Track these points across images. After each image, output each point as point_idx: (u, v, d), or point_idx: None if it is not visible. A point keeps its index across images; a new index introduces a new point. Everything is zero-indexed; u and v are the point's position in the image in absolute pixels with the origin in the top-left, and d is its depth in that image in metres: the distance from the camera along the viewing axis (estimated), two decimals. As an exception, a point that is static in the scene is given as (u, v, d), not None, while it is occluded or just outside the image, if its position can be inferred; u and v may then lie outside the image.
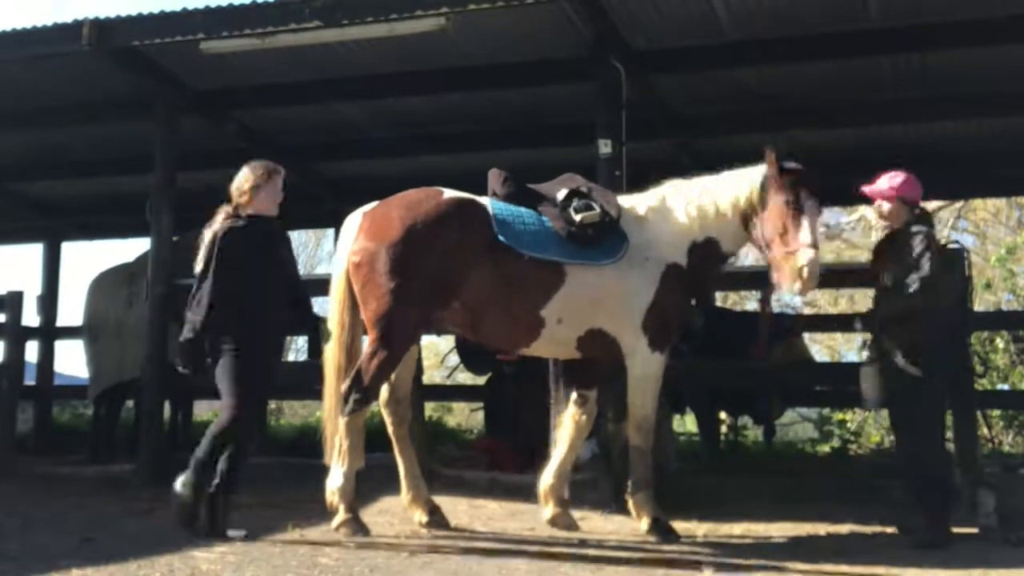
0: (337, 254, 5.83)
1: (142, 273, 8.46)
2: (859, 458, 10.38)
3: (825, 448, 10.49)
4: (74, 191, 11.41)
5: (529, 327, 5.59)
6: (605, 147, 6.84)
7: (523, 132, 9.07)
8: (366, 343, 5.54)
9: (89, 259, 41.73)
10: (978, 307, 11.04)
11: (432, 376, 15.74)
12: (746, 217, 5.57)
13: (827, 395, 9.97)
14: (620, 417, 6.56)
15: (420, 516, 5.69)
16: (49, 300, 11.83)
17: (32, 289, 11.54)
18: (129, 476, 7.65)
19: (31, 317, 11.11)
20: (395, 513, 6.02)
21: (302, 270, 28.41)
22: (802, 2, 6.69)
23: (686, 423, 11.91)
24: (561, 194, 5.72)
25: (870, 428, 12.48)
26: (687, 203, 5.72)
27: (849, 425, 11.62)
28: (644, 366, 5.62)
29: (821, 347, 19.53)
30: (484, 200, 5.75)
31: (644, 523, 5.56)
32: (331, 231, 14.98)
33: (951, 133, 8.95)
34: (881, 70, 7.75)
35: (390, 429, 5.76)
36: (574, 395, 5.89)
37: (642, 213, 5.79)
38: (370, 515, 6.06)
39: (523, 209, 5.73)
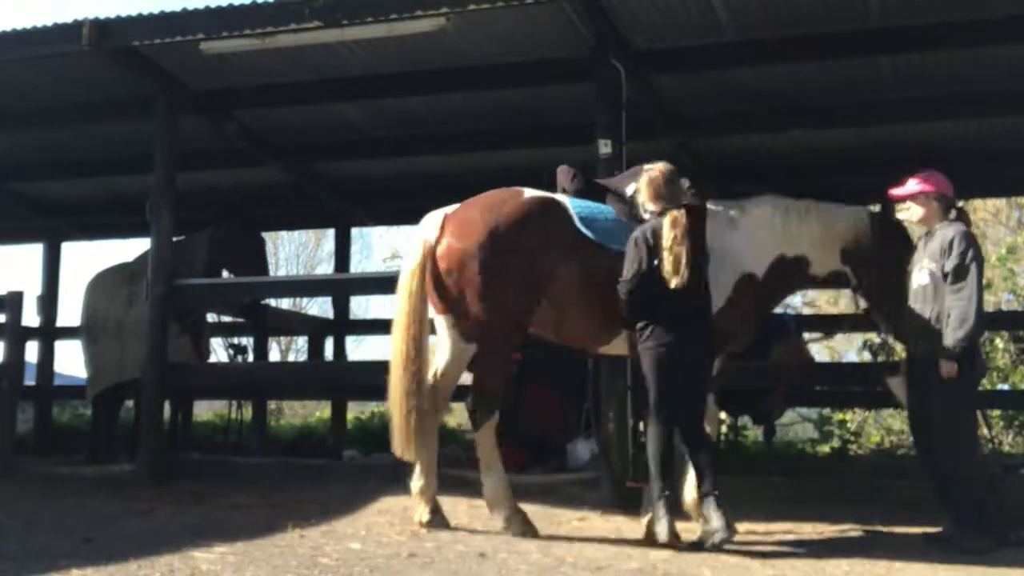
0: (411, 253, 5.78)
1: (142, 273, 8.46)
2: (859, 458, 10.39)
3: (825, 448, 10.50)
4: (74, 191, 11.40)
5: (612, 325, 5.63)
6: (605, 147, 6.84)
7: (523, 132, 9.07)
8: (473, 354, 5.62)
9: (89, 259, 41.73)
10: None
11: (432, 376, 15.74)
12: (846, 253, 5.88)
13: (827, 395, 9.97)
14: (622, 418, 6.58)
15: (422, 510, 5.69)
16: (49, 300, 11.84)
17: (32, 289, 11.56)
18: (129, 476, 7.65)
19: (31, 317, 11.13)
20: (395, 513, 6.02)
21: (302, 270, 28.56)
22: (802, 2, 6.69)
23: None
24: (630, 189, 5.72)
25: (870, 428, 12.49)
26: (787, 219, 5.85)
27: (849, 425, 11.64)
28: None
29: (821, 347, 19.53)
30: (560, 197, 5.77)
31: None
32: (331, 231, 15.01)
33: (951, 133, 8.94)
34: (881, 70, 7.74)
35: (422, 418, 5.63)
36: None
37: (732, 218, 5.88)
38: (370, 515, 6.07)
39: (599, 204, 5.76)
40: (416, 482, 5.69)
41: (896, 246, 5.97)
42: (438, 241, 5.58)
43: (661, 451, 5.25)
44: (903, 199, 5.88)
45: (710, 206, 5.88)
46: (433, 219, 5.72)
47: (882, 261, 5.94)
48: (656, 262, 5.22)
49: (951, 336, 5.36)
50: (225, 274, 9.30)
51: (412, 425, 5.46)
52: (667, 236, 5.21)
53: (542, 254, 5.48)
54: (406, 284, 5.62)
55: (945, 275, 5.44)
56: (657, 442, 5.27)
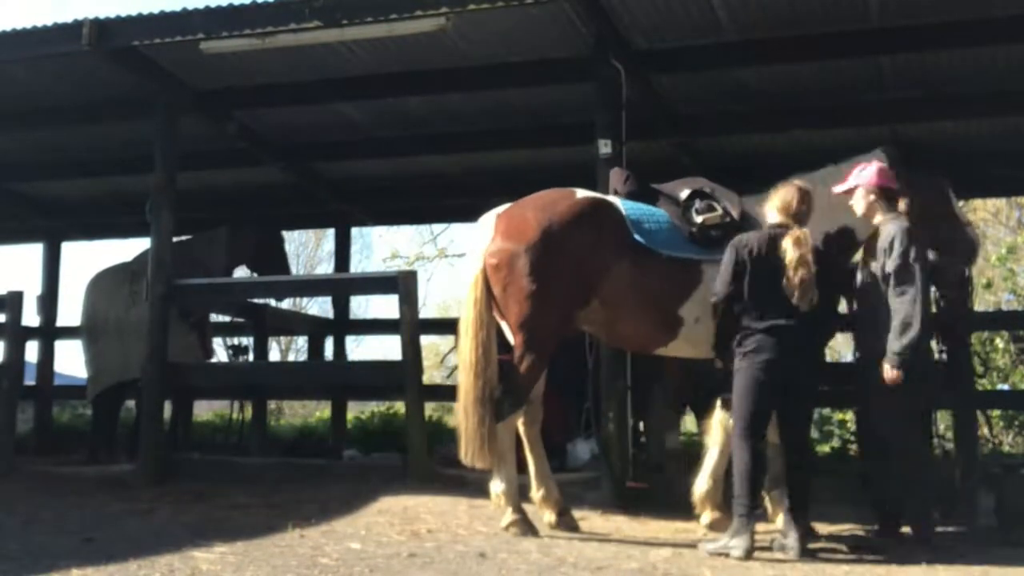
0: (471, 254, 5.82)
1: (143, 272, 8.47)
2: (859, 458, 10.38)
3: (825, 448, 10.50)
4: (74, 191, 11.40)
5: (667, 326, 5.64)
6: (605, 147, 6.84)
7: (523, 132, 9.07)
8: (513, 347, 5.61)
9: (89, 259, 41.75)
10: (978, 307, 11.05)
11: (432, 376, 15.76)
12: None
13: (827, 395, 9.96)
14: (622, 418, 6.58)
15: (549, 516, 5.72)
16: (49, 300, 11.83)
17: (32, 289, 11.56)
18: (129, 476, 7.65)
19: (31, 317, 11.13)
20: (395, 513, 6.02)
21: (302, 270, 28.58)
22: (802, 2, 6.69)
23: (686, 423, 11.90)
24: (684, 193, 5.74)
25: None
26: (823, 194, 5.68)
27: (849, 425, 11.63)
28: None
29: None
30: (613, 199, 5.78)
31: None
32: (331, 231, 14.99)
33: (951, 133, 8.94)
34: (881, 70, 7.75)
35: (521, 429, 5.73)
36: (720, 400, 5.83)
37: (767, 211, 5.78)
38: (370, 515, 6.06)
39: (650, 207, 5.76)
40: (497, 486, 5.63)
41: (920, 179, 5.84)
42: (492, 241, 5.61)
43: (750, 469, 5.08)
44: (848, 195, 5.65)
45: (747, 199, 5.84)
46: (486, 220, 5.75)
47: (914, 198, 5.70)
48: (757, 273, 5.12)
49: (894, 342, 5.16)
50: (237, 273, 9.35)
51: (485, 433, 5.43)
52: (791, 255, 5.12)
53: (593, 255, 5.50)
54: (470, 291, 5.63)
55: (887, 275, 5.27)
56: (746, 461, 5.09)
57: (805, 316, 5.11)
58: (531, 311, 5.49)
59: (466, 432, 5.51)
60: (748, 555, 4.93)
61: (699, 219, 5.60)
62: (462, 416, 5.55)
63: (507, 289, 5.54)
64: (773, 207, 5.39)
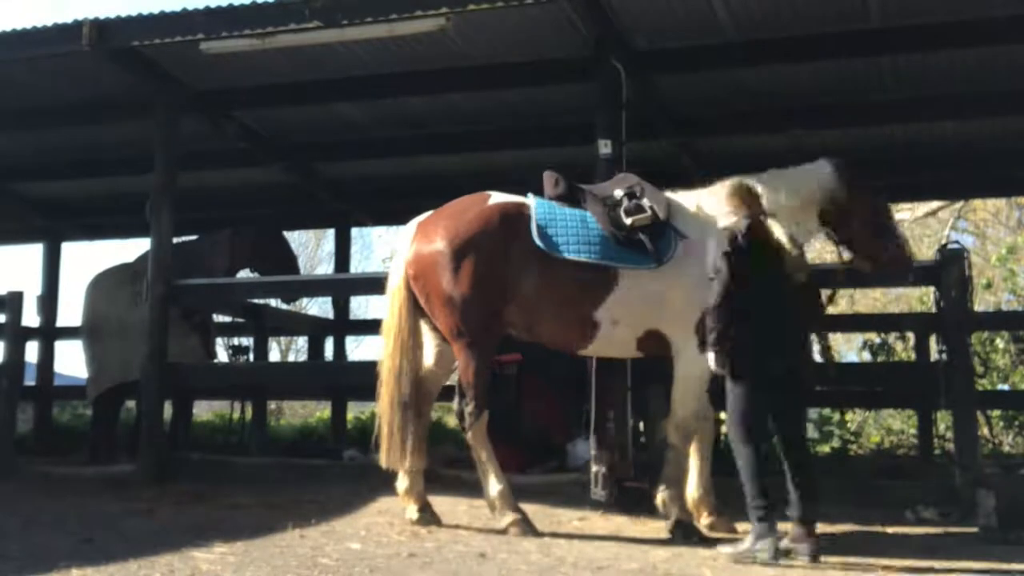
0: (394, 261, 5.98)
1: (145, 272, 8.47)
2: (859, 458, 10.39)
3: (825, 448, 10.50)
4: (74, 191, 11.40)
5: (583, 329, 5.67)
6: (605, 147, 6.84)
7: (523, 132, 9.07)
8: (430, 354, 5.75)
9: (89, 259, 41.73)
10: (978, 307, 11.05)
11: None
12: (825, 214, 5.77)
13: (827, 395, 9.97)
14: (622, 418, 6.58)
15: (412, 511, 5.73)
16: (49, 300, 11.83)
17: (32, 289, 11.56)
18: (129, 476, 7.65)
19: (31, 317, 11.12)
20: (395, 513, 6.02)
21: (302, 270, 28.56)
22: (802, 2, 6.69)
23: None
24: (618, 193, 5.74)
25: (870, 428, 12.49)
26: (777, 195, 5.69)
27: (849, 425, 11.63)
28: (689, 366, 5.62)
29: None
30: (529, 202, 5.80)
31: (669, 522, 5.57)
32: (331, 231, 15.00)
33: (951, 133, 8.95)
34: (881, 70, 7.75)
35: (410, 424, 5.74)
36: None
37: (699, 209, 5.78)
38: (370, 515, 6.07)
39: (569, 211, 5.76)
40: (401, 483, 5.78)
41: (863, 191, 5.87)
42: (409, 249, 5.78)
43: (754, 471, 5.00)
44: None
45: (676, 195, 5.85)
46: (408, 229, 5.91)
47: (855, 210, 5.82)
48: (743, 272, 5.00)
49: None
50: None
51: (404, 437, 5.60)
52: (779, 234, 5.08)
53: (503, 260, 5.59)
54: (393, 297, 5.77)
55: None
56: (750, 463, 5.00)
57: (793, 314, 5.09)
58: (452, 316, 5.61)
59: (386, 435, 5.65)
60: (776, 557, 4.81)
61: (628, 220, 5.58)
62: (383, 420, 5.69)
63: (428, 297, 5.70)
64: (732, 205, 5.31)
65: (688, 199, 5.91)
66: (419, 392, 5.78)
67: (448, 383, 6.30)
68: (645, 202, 5.66)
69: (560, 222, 5.67)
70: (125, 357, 8.82)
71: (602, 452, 6.29)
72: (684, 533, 5.49)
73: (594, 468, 6.27)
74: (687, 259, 5.59)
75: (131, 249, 20.16)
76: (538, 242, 5.58)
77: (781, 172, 5.94)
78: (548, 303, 5.63)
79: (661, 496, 5.63)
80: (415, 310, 5.76)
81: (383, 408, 5.71)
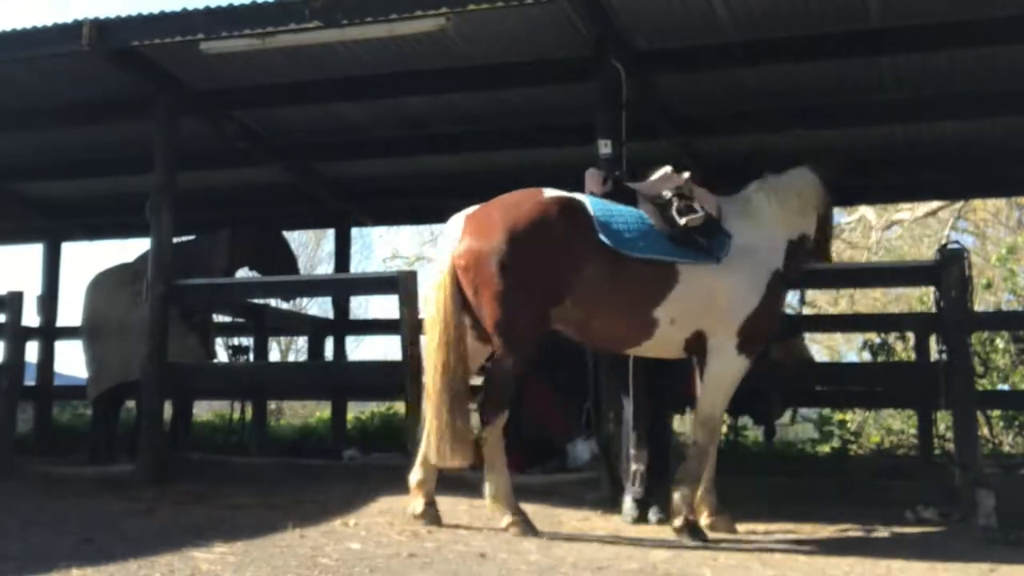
0: (439, 255, 5.80)
1: (145, 272, 8.47)
2: (859, 458, 10.39)
3: (825, 448, 10.50)
4: (74, 191, 11.40)
5: (642, 327, 5.60)
6: (605, 147, 6.83)
7: (523, 132, 9.06)
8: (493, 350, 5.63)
9: (89, 259, 41.75)
10: (978, 307, 11.05)
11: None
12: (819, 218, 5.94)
13: (827, 395, 9.98)
14: (620, 418, 6.58)
15: (417, 505, 5.71)
16: (49, 300, 11.84)
17: (32, 289, 11.56)
18: (129, 476, 7.64)
19: (31, 317, 11.13)
20: (395, 513, 6.01)
21: (302, 270, 28.58)
22: (802, 2, 6.69)
23: (686, 423, 11.92)
24: (667, 193, 5.71)
25: (870, 428, 12.50)
26: (779, 201, 5.79)
27: (849, 425, 11.64)
28: (726, 366, 5.62)
29: (821, 347, 19.55)
30: (583, 198, 5.72)
31: (677, 520, 5.52)
32: (331, 231, 14.99)
33: (951, 133, 8.95)
34: (881, 70, 7.75)
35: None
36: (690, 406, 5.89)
37: (740, 214, 5.81)
38: (370, 515, 6.06)
39: (624, 207, 5.71)
40: (415, 475, 5.71)
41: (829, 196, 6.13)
42: (459, 242, 5.58)
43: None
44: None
45: (723, 199, 5.91)
46: (455, 222, 5.72)
47: (826, 214, 6.09)
48: None
49: None
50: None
51: (455, 433, 5.44)
52: None
53: (561, 254, 5.45)
54: (439, 290, 5.59)
55: None
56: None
57: None
58: (503, 312, 5.45)
59: (438, 431, 5.49)
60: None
61: (682, 221, 5.56)
62: (432, 416, 5.53)
63: (478, 291, 5.52)
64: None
65: (735, 200, 5.93)
66: (465, 388, 5.61)
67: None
68: (696, 202, 5.66)
69: (619, 219, 5.60)
70: (125, 357, 8.82)
71: (641, 451, 6.16)
72: (691, 533, 5.45)
73: (634, 467, 6.16)
74: (735, 259, 5.60)
75: (131, 249, 20.19)
76: (603, 238, 5.47)
77: (781, 178, 6.04)
78: (608, 300, 5.53)
79: (675, 493, 5.59)
80: (461, 304, 5.60)
81: (433, 403, 5.51)
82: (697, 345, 5.72)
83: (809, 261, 6.16)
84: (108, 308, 9.25)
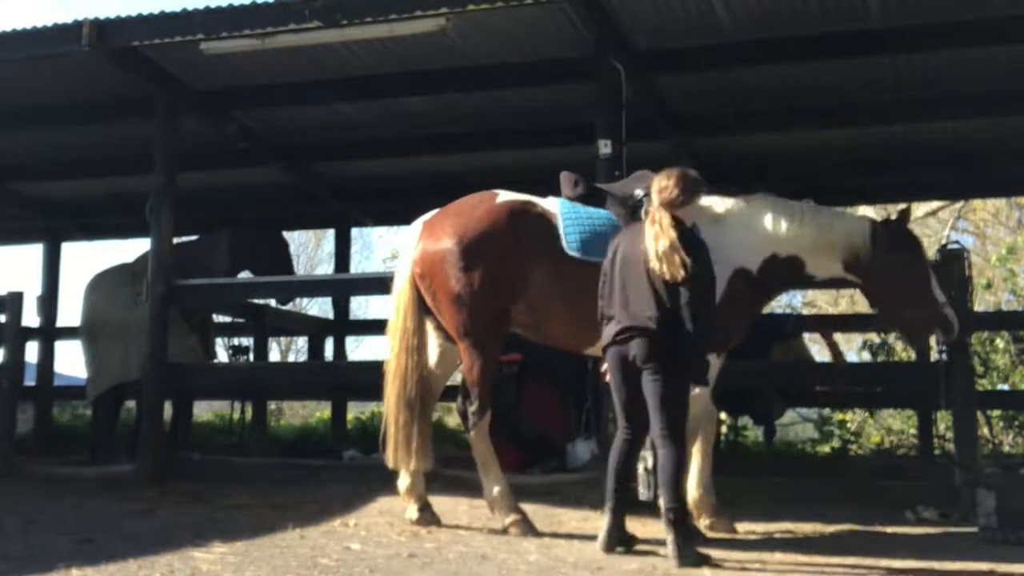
0: (401, 261, 5.96)
1: (144, 273, 8.47)
2: (859, 458, 10.39)
3: (825, 448, 10.50)
4: (74, 191, 11.40)
5: (592, 328, 5.56)
6: (605, 147, 6.83)
7: (523, 132, 9.07)
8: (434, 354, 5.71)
9: (89, 259, 41.73)
10: (978, 307, 11.04)
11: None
12: (847, 263, 5.75)
13: (827, 395, 9.97)
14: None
15: (412, 511, 5.72)
16: (49, 300, 11.83)
17: (32, 289, 11.56)
18: (129, 476, 7.64)
19: (31, 317, 11.13)
20: (395, 513, 6.02)
21: (302, 270, 28.57)
22: (802, 2, 6.69)
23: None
24: (639, 192, 5.70)
25: (870, 428, 12.49)
26: (777, 219, 5.73)
27: (849, 425, 11.64)
28: None
29: (821, 347, 19.51)
30: (551, 202, 5.78)
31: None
32: (331, 231, 14.99)
33: (951, 133, 8.94)
34: (881, 70, 7.74)
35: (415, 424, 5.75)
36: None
37: (720, 213, 5.78)
38: (370, 515, 6.07)
39: (594, 210, 5.74)
40: (403, 482, 5.77)
41: (904, 254, 5.75)
42: (415, 248, 5.74)
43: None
44: None
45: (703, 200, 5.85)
46: (414, 227, 5.88)
47: (887, 270, 5.72)
48: None
49: None
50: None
51: (410, 436, 5.59)
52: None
53: (512, 258, 5.55)
54: (399, 297, 5.76)
55: None
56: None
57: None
58: (460, 315, 5.57)
59: (393, 434, 5.62)
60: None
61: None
62: (390, 419, 5.66)
63: (435, 296, 5.66)
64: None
65: (715, 202, 5.86)
66: (424, 392, 5.76)
67: (448, 383, 6.30)
68: None
69: (584, 221, 5.63)
70: (124, 358, 8.83)
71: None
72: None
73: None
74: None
75: (131, 249, 20.18)
76: (561, 242, 5.53)
77: (817, 208, 5.96)
78: (559, 302, 5.59)
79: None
80: (420, 309, 5.75)
81: (389, 407, 5.69)
82: None
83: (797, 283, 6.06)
84: (107, 308, 9.25)
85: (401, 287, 5.78)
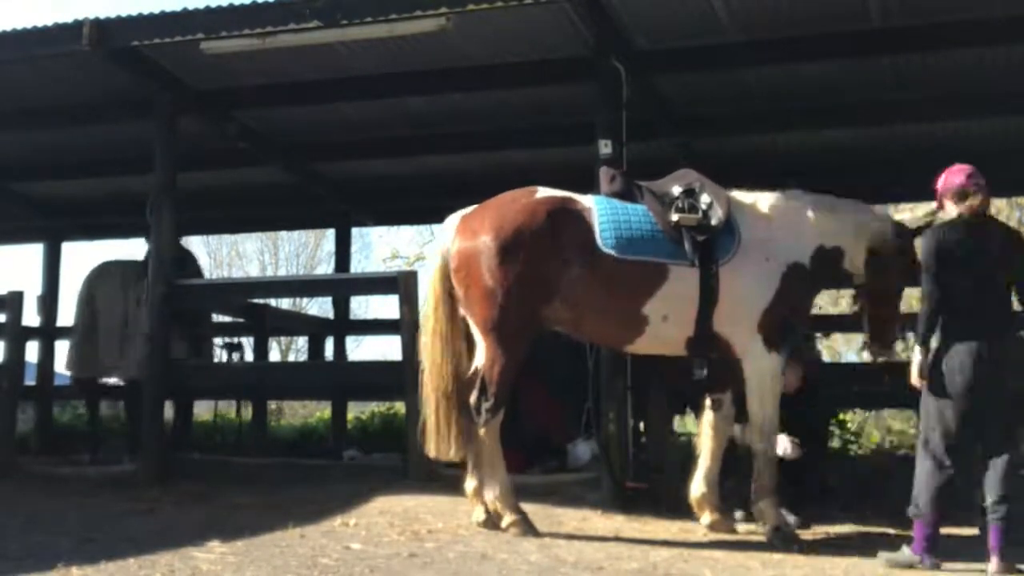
0: (433, 253, 5.94)
1: (134, 276, 8.47)
2: (859, 458, 10.38)
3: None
4: (74, 191, 11.40)
5: (632, 325, 5.60)
6: (605, 147, 6.83)
7: (523, 132, 9.06)
8: (481, 350, 5.65)
9: (89, 259, 41.72)
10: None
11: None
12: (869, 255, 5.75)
13: (827, 395, 9.94)
14: (622, 418, 6.59)
15: (479, 513, 5.70)
16: (49, 300, 11.82)
17: (32, 289, 11.55)
18: (130, 476, 7.65)
19: (31, 317, 11.12)
20: (395, 513, 6.02)
21: (302, 270, 28.56)
22: (802, 2, 6.69)
23: (686, 423, 11.92)
24: (676, 190, 5.72)
25: (870, 428, 12.50)
26: (824, 209, 5.75)
27: (849, 425, 11.63)
28: (759, 367, 5.59)
29: (821, 348, 19.50)
30: (588, 199, 5.76)
31: (768, 529, 5.50)
32: (331, 231, 15.01)
33: (951, 133, 8.95)
34: (881, 70, 7.75)
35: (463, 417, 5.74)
36: (708, 400, 5.88)
37: (765, 211, 5.77)
38: (370, 515, 6.07)
39: (631, 207, 5.72)
40: (470, 483, 5.71)
41: (904, 260, 5.79)
42: (452, 243, 5.69)
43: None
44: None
45: (739, 195, 5.85)
46: (450, 222, 5.82)
47: (889, 270, 5.79)
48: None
49: None
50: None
51: (451, 426, 5.55)
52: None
53: (549, 255, 5.48)
54: (431, 288, 5.72)
55: None
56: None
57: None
58: (491, 311, 5.52)
59: (435, 426, 5.60)
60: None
61: (675, 217, 5.57)
62: (429, 411, 5.64)
63: (468, 290, 5.60)
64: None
65: (758, 198, 5.86)
66: (459, 383, 5.69)
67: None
68: (704, 199, 5.62)
69: (621, 218, 5.60)
70: (124, 356, 8.81)
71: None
72: (782, 539, 5.40)
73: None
74: (744, 256, 5.56)
75: (131, 249, 20.17)
76: (597, 239, 5.49)
77: (843, 201, 5.99)
78: (596, 298, 5.54)
79: (757, 507, 5.58)
80: (453, 303, 5.70)
81: (428, 399, 5.64)
82: (709, 348, 5.69)
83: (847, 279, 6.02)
84: (112, 301, 9.19)
85: (434, 280, 5.73)
